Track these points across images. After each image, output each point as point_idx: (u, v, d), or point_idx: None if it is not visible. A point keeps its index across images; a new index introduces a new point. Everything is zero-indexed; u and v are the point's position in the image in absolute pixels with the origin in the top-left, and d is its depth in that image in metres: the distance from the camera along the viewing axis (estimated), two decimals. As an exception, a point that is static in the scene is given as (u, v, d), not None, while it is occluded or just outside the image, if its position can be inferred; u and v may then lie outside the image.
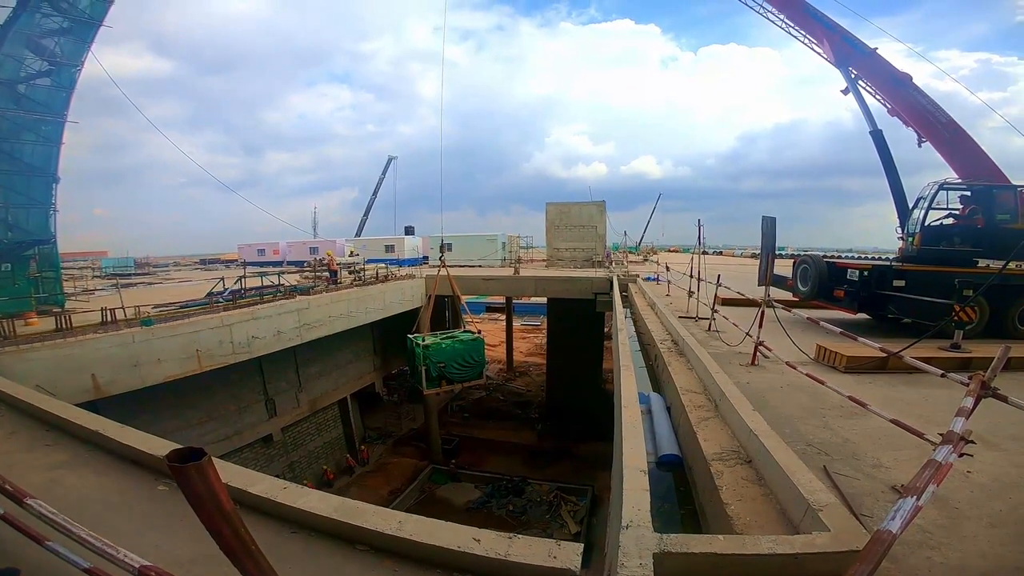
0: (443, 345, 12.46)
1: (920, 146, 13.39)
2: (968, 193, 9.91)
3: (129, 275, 30.72)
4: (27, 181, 13.04)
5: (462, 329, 14.51)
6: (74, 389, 8.26)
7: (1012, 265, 9.02)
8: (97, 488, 3.69)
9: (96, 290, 18.97)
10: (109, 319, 10.20)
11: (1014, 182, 10.61)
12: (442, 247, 14.62)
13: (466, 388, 25.68)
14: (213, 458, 1.37)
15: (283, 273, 19.13)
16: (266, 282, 15.71)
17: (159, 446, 4.00)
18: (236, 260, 45.24)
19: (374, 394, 21.93)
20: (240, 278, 15.23)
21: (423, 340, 12.39)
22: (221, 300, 13.29)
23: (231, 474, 3.48)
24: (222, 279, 15.87)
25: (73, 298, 15.39)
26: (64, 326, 9.62)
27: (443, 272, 14.16)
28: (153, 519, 3.27)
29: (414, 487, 16.95)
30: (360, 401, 20.54)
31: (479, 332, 13.14)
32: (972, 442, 2.33)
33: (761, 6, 16.20)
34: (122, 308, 10.59)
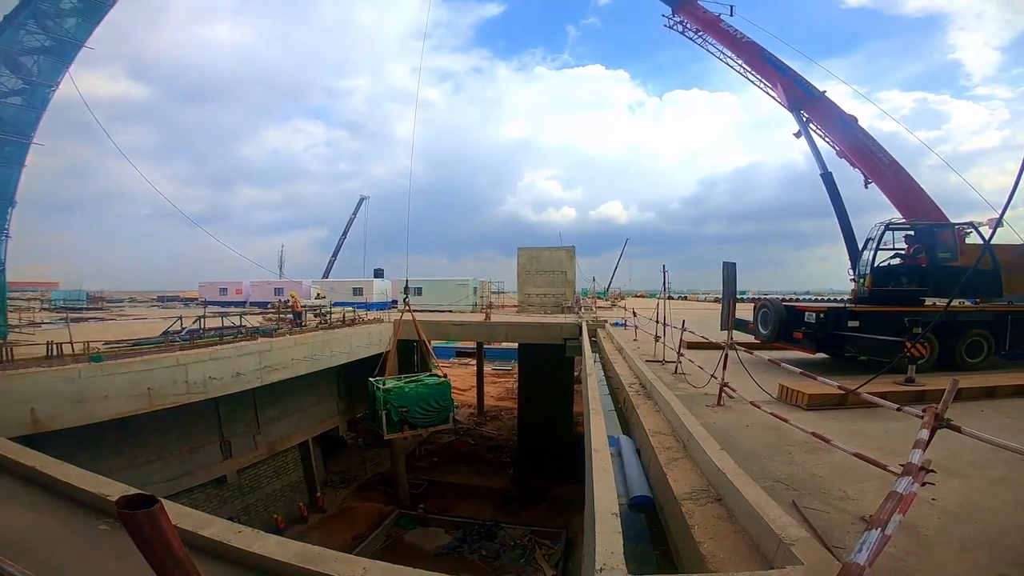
0: (406, 389, 12.21)
1: (867, 187, 14.15)
2: (912, 233, 10.56)
3: (81, 309, 29.33)
4: None
5: (428, 373, 14.24)
6: (10, 423, 7.76)
7: (956, 302, 9.58)
8: (32, 526, 3.41)
9: (43, 323, 18.02)
10: (55, 353, 9.67)
11: (953, 220, 11.33)
12: (406, 289, 14.43)
13: (434, 432, 25.21)
14: (161, 499, 1.33)
15: (245, 314, 18.62)
16: (227, 323, 15.27)
17: (101, 484, 3.75)
18: (196, 299, 43.79)
19: (338, 438, 21.18)
20: (199, 318, 14.78)
21: (384, 383, 12.12)
22: (178, 340, 12.82)
23: (180, 515, 3.27)
24: (180, 318, 15.35)
25: (17, 330, 14.59)
26: (5, 358, 9.08)
27: (407, 316, 14.01)
28: (93, 560, 3.02)
29: (379, 532, 16.17)
30: (323, 444, 19.75)
31: (445, 376, 12.93)
32: (933, 471, 2.41)
33: (721, 51, 17.25)
34: (70, 343, 10.08)
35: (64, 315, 19.54)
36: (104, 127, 16.17)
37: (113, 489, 3.67)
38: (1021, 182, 3.27)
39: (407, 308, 14.15)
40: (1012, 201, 3.22)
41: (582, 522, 5.89)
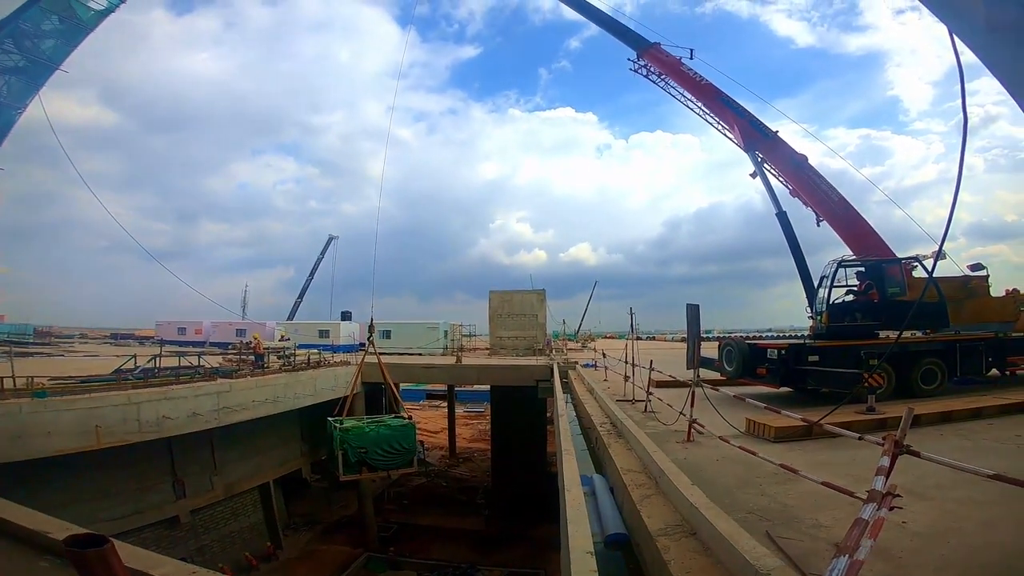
0: (366, 429, 11.81)
1: (819, 225, 14.81)
2: (863, 269, 11.10)
3: (26, 343, 27.73)
4: None
5: (394, 415, 13.79)
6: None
7: (908, 333, 10.00)
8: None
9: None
10: (-6, 388, 9.12)
11: (900, 254, 11.93)
12: (371, 328, 14.04)
13: (405, 475, 24.36)
14: (111, 538, 1.26)
15: (204, 354, 17.96)
16: (184, 362, 14.71)
17: (41, 521, 3.51)
18: (152, 337, 42.00)
19: (301, 479, 20.32)
20: (154, 356, 14.21)
21: (342, 423, 11.70)
22: (131, 377, 12.25)
23: (130, 554, 3.06)
24: (134, 356, 14.72)
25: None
26: (-62, 393, 8.48)
27: (371, 358, 13.57)
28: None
29: (348, 574, 15.40)
30: (285, 487, 18.86)
31: (411, 418, 12.55)
32: (899, 495, 2.47)
33: (682, 94, 18.16)
34: (12, 377, 9.55)
35: (7, 348, 18.38)
36: (68, 153, 15.78)
37: (54, 526, 3.45)
38: (954, 218, 3.52)
39: (371, 349, 13.76)
40: (949, 233, 3.45)
41: (559, 561, 5.74)
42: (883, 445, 2.96)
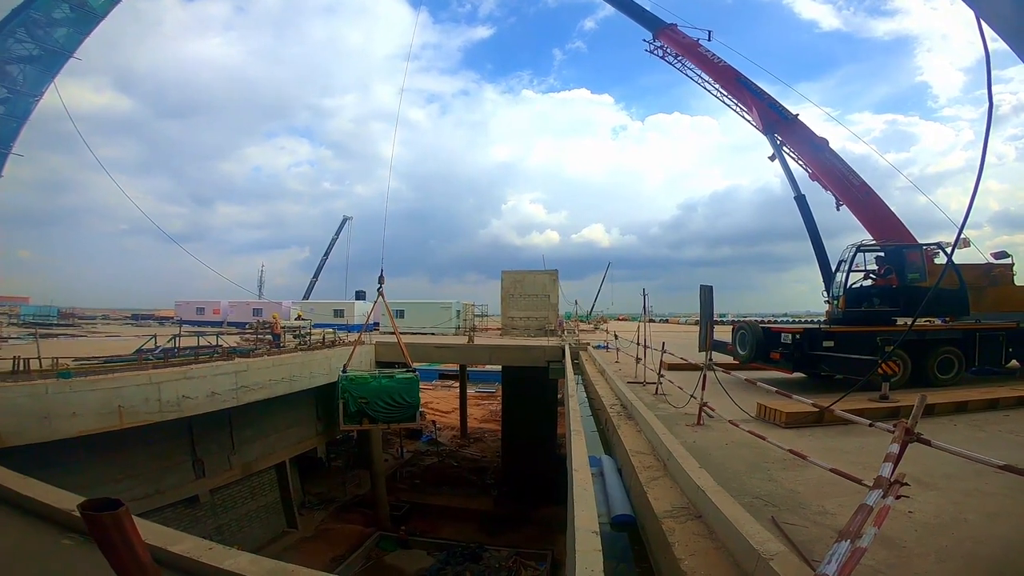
0: (368, 379, 11.75)
1: (838, 209, 14.54)
2: (882, 254, 10.85)
3: (51, 325, 28.46)
4: None
5: (403, 369, 13.57)
6: (-30, 438, 7.40)
7: (926, 320, 9.82)
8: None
9: (10, 338, 17.42)
10: (21, 368, 9.36)
11: (921, 240, 11.66)
12: (381, 277, 13.59)
13: (417, 454, 24.82)
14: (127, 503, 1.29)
15: (222, 334, 18.26)
16: (203, 342, 14.95)
17: (65, 499, 3.63)
18: (172, 318, 42.81)
19: (317, 459, 20.76)
20: (174, 336, 14.46)
21: (346, 371, 11.76)
22: (151, 358, 12.49)
23: (150, 532, 3.16)
24: (154, 337, 15.00)
25: (-19, 345, 14.07)
26: (-33, 373, 8.75)
27: (381, 301, 13.15)
28: (54, 574, 2.90)
29: (359, 554, 15.72)
30: (301, 466, 19.26)
31: (415, 371, 12.42)
32: (906, 484, 2.46)
33: (699, 76, 17.76)
34: (38, 359, 9.77)
35: (33, 330, 18.90)
36: (85, 139, 15.97)
37: (76, 504, 3.54)
38: (975, 204, 3.43)
39: (380, 294, 13.23)
40: (968, 221, 3.36)
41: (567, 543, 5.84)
42: (894, 432, 2.94)
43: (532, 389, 21.55)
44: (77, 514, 3.34)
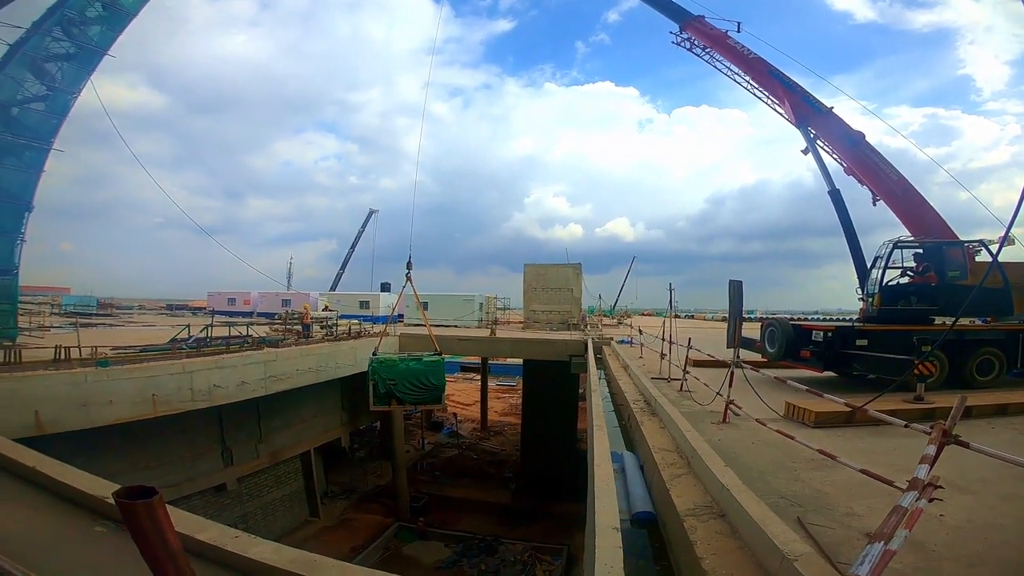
0: (397, 362, 12.01)
1: (875, 205, 13.98)
2: (920, 251, 10.45)
3: (90, 315, 29.64)
4: None
5: (431, 353, 13.79)
6: (14, 424, 7.77)
7: (967, 320, 9.44)
8: (28, 525, 3.40)
9: (53, 327, 18.20)
10: (62, 357, 9.75)
11: (962, 237, 11.18)
12: (409, 263, 13.75)
13: (438, 446, 25.09)
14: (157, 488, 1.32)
15: (252, 324, 18.70)
16: (234, 332, 15.32)
17: (100, 486, 3.73)
18: (204, 308, 44.07)
19: (340, 449, 21.08)
20: (206, 326, 14.86)
21: (376, 354, 12.02)
22: (185, 347, 12.86)
23: (177, 518, 3.25)
24: (188, 326, 15.45)
25: (27, 333, 14.73)
26: (12, 360, 9.17)
27: (408, 287, 13.29)
28: (86, 561, 3.01)
29: (378, 544, 16.01)
30: (325, 455, 19.66)
31: (440, 354, 12.61)
32: (940, 487, 2.37)
33: (728, 68, 17.28)
34: (78, 347, 10.15)
35: (73, 320, 19.69)
36: (122, 135, 16.47)
37: (111, 491, 3.66)
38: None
39: (408, 279, 13.33)
40: (1017, 218, 3.18)
41: (584, 539, 5.82)
42: (930, 434, 2.84)
43: (553, 383, 21.51)
44: (111, 501, 3.46)
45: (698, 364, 10.50)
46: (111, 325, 23.33)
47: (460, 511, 18.84)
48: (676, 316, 14.55)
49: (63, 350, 9.92)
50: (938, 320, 9.64)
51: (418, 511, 18.23)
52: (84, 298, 42.02)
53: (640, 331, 17.98)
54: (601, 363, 14.62)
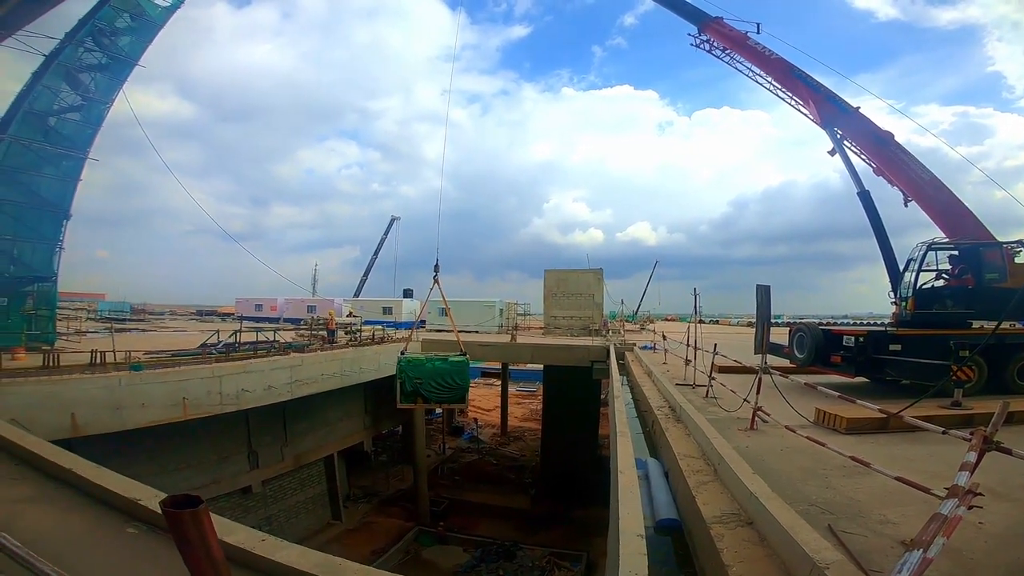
0: (423, 361, 12.26)
1: (907, 205, 13.47)
2: (956, 253, 10.08)
3: (124, 320, 30.60)
4: (39, 216, 13.04)
5: (457, 354, 14.05)
6: (52, 426, 8.04)
7: (1006, 324, 9.05)
8: (62, 526, 3.51)
9: (88, 332, 18.81)
10: (98, 361, 10.06)
11: (998, 238, 10.75)
12: (436, 265, 14.11)
13: (458, 451, 25.15)
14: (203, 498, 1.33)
15: (279, 329, 19.06)
16: (261, 337, 15.63)
17: (133, 488, 3.83)
18: (233, 313, 45.07)
19: (363, 452, 21.33)
20: (235, 332, 15.16)
21: (404, 354, 12.30)
22: (214, 352, 13.15)
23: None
24: (217, 332, 15.80)
25: (64, 338, 15.25)
26: (51, 364, 9.50)
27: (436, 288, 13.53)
28: (118, 562, 3.08)
29: (398, 548, 16.18)
30: (348, 459, 19.92)
31: (466, 354, 12.81)
32: (980, 494, 2.28)
33: (749, 69, 16.97)
34: (113, 352, 10.46)
35: (109, 325, 20.35)
36: (154, 145, 17.03)
37: (144, 493, 3.74)
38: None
39: (435, 281, 13.61)
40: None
41: (603, 545, 5.76)
42: (970, 440, 2.74)
43: (573, 389, 21.41)
44: (143, 503, 3.55)
45: (724, 370, 10.30)
46: (144, 330, 24.06)
47: (479, 516, 18.89)
48: (700, 321, 14.33)
49: (99, 354, 10.22)
50: (976, 324, 9.29)
51: (438, 515, 18.35)
52: (118, 304, 43.46)
53: (664, 336, 17.76)
54: (623, 369, 14.48)
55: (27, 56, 12.33)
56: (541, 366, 24.68)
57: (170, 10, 14.92)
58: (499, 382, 32.07)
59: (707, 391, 9.11)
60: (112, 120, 14.12)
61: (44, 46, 12.55)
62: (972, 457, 2.54)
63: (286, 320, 38.61)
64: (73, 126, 13.58)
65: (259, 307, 45.69)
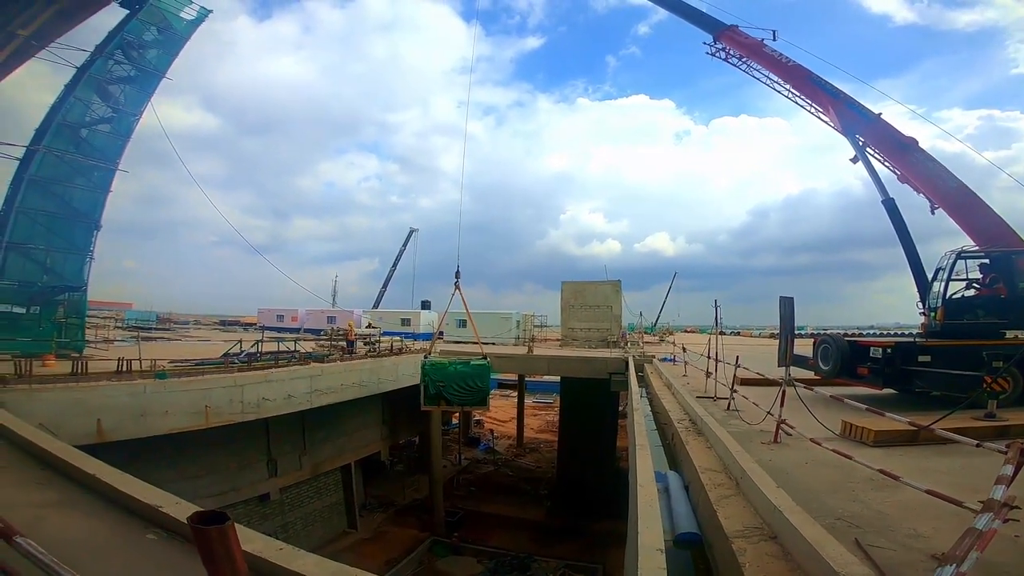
0: (447, 365, 12.39)
1: (933, 213, 13.09)
2: (987, 261, 9.78)
3: (150, 329, 31.32)
4: (71, 226, 13.43)
5: (478, 357, 14.09)
6: (78, 432, 8.24)
7: None
8: (84, 531, 3.58)
9: (116, 340, 19.27)
10: (124, 369, 10.29)
11: None
12: (457, 272, 14.24)
13: (474, 462, 25.05)
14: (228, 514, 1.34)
15: (299, 340, 19.30)
16: (282, 347, 15.85)
17: (154, 495, 3.90)
18: (255, 323, 45.79)
19: (380, 462, 21.40)
20: (257, 342, 15.41)
21: (428, 357, 12.46)
22: (237, 361, 13.36)
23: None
24: (239, 342, 16.06)
25: (93, 345, 15.63)
26: (79, 371, 9.74)
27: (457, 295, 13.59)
28: (138, 569, 3.11)
29: (412, 558, 16.10)
30: (364, 468, 20.00)
31: (487, 358, 12.88)
32: (1017, 507, 2.17)
33: (767, 76, 16.80)
34: (139, 360, 10.70)
35: (135, 334, 20.82)
36: (181, 157, 17.51)
37: (164, 500, 3.81)
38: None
39: (456, 287, 13.69)
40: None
41: (619, 558, 5.65)
42: (1006, 453, 2.63)
43: (590, 401, 21.22)
44: (164, 510, 3.59)
45: (746, 383, 10.11)
46: (169, 339, 24.62)
47: (494, 527, 18.76)
48: (722, 333, 14.09)
49: (125, 362, 10.46)
50: (1010, 334, 8.98)
51: (453, 526, 18.26)
52: (145, 313, 44.48)
53: (684, 349, 17.53)
54: (643, 381, 14.32)
55: (60, 68, 12.79)
56: (558, 377, 24.53)
57: (195, 23, 15.41)
58: (515, 393, 31.95)
59: (729, 404, 8.95)
60: (141, 131, 14.53)
61: (75, 58, 13.01)
62: (1009, 470, 2.43)
63: (307, 330, 39.07)
64: (104, 137, 13.98)
65: (280, 317, 46.34)
